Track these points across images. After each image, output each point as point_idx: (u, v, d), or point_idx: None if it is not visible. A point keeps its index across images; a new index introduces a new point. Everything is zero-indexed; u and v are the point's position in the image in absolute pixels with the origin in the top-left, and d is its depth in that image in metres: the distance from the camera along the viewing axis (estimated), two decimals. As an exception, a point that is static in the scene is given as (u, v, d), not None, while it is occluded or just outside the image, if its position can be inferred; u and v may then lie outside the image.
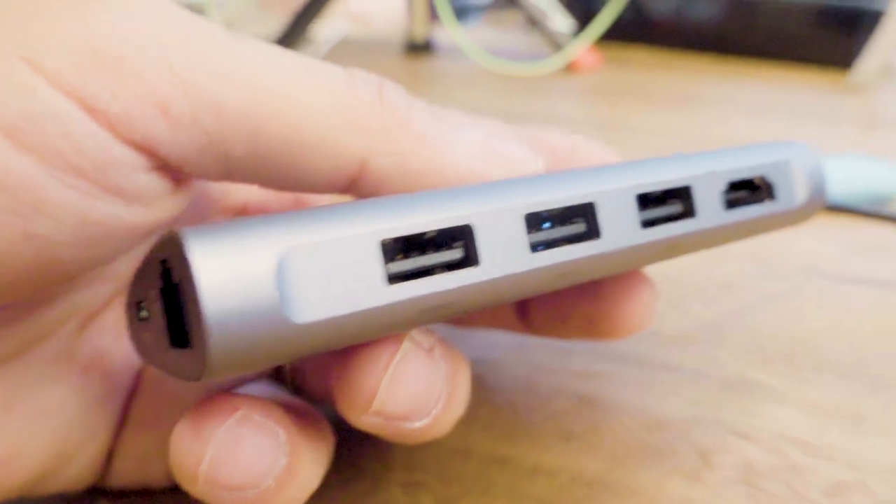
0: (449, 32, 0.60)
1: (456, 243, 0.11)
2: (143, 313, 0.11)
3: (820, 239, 0.28)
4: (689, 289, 0.24)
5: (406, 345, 0.12)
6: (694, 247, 0.14)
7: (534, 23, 0.59)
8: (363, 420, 0.12)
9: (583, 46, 0.56)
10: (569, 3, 0.64)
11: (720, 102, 0.49)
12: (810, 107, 0.47)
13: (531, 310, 0.17)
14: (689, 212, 0.13)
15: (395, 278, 0.10)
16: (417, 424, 0.12)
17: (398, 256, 0.11)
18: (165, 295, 0.10)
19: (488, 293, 0.11)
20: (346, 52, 0.68)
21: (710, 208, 0.13)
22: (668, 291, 0.24)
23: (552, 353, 0.21)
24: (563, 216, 0.12)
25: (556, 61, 0.55)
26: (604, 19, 0.56)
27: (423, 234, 0.11)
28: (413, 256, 0.11)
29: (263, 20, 0.73)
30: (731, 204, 0.14)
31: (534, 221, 0.12)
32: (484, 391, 0.19)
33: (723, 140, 0.41)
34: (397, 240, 0.11)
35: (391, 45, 0.69)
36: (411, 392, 0.12)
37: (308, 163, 0.11)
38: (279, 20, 0.65)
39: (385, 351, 0.12)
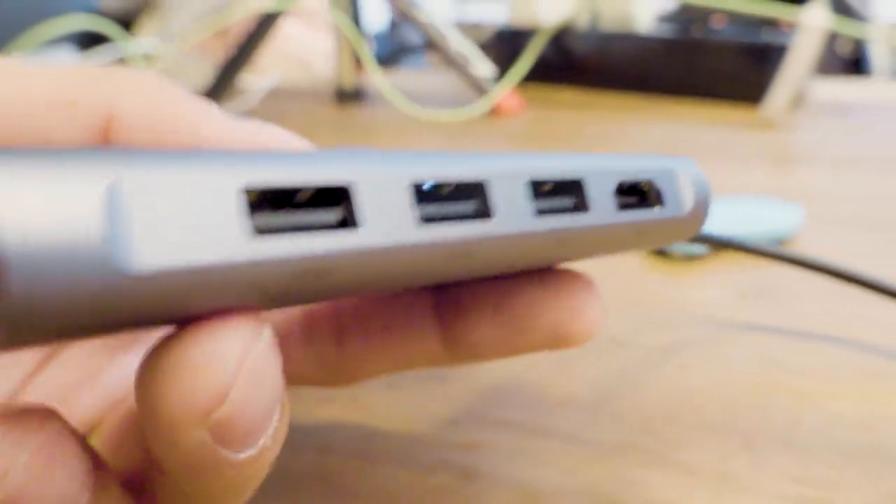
0: (371, 74, 0.60)
1: (335, 204, 0.10)
2: None
3: (712, 285, 0.28)
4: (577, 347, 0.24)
5: (267, 331, 0.09)
6: (584, 247, 0.14)
7: (456, 68, 0.60)
8: (190, 436, 0.09)
9: (505, 91, 0.57)
10: (492, 48, 0.66)
11: (638, 141, 0.50)
12: (724, 143, 0.49)
13: (472, 323, 0.15)
14: (581, 206, 0.13)
15: (262, 231, 0.09)
16: (244, 455, 0.10)
17: (265, 209, 0.09)
18: None
19: (367, 263, 0.10)
20: (278, 100, 0.68)
21: (602, 205, 0.13)
22: (555, 352, 0.24)
23: (437, 424, 0.20)
24: (453, 193, 0.12)
25: (480, 106, 0.56)
26: (523, 64, 0.57)
27: (297, 189, 0.09)
28: (284, 212, 0.09)
29: (200, 70, 0.73)
30: (623, 207, 0.14)
31: (422, 192, 0.11)
32: (366, 466, 0.19)
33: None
34: (267, 191, 0.09)
35: (322, 93, 0.70)
36: (263, 401, 0.09)
37: (52, 120, 0.11)
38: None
39: (239, 334, 0.09)
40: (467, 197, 0.12)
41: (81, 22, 0.56)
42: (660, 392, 0.22)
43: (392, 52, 1.10)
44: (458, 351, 0.16)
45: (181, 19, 0.81)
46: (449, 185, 0.11)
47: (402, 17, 0.65)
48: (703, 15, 0.61)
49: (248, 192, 0.09)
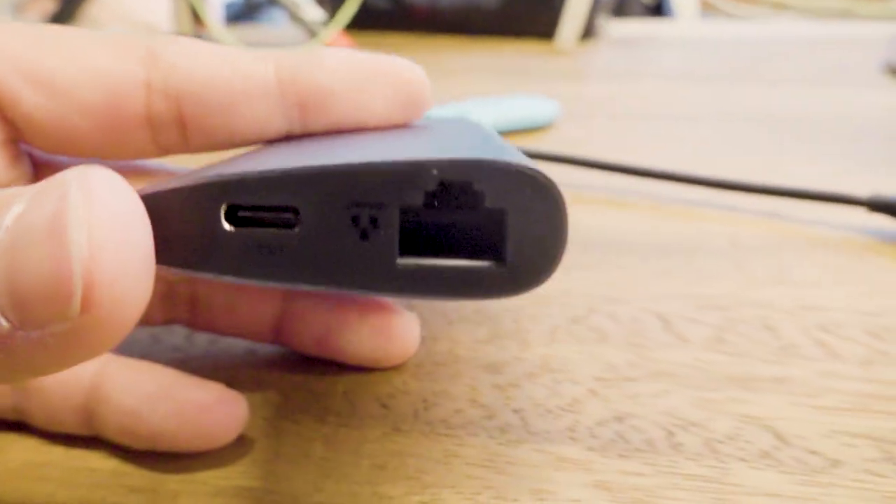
0: (211, 30, 0.63)
1: None
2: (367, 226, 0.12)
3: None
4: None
5: None
6: None
7: (290, 14, 0.64)
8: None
9: (334, 33, 0.62)
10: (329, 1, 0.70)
11: (463, 71, 0.57)
12: (528, 68, 0.57)
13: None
14: None
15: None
16: None
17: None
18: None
19: None
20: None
21: None
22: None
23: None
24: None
25: (310, 47, 0.61)
26: (349, 7, 0.63)
27: None
28: None
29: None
30: None
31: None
32: None
33: (465, 95, 0.48)
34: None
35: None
36: None
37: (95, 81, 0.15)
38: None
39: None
40: None
41: None
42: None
43: (244, 10, 1.12)
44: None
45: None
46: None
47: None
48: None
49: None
